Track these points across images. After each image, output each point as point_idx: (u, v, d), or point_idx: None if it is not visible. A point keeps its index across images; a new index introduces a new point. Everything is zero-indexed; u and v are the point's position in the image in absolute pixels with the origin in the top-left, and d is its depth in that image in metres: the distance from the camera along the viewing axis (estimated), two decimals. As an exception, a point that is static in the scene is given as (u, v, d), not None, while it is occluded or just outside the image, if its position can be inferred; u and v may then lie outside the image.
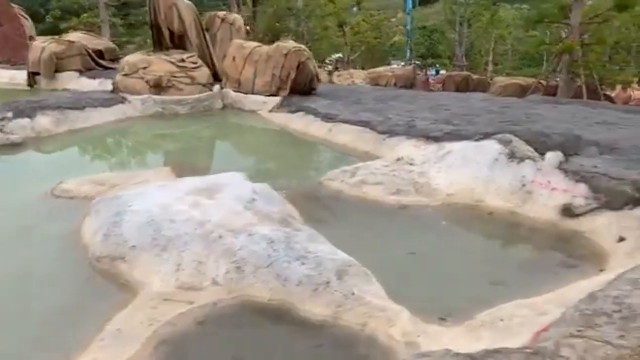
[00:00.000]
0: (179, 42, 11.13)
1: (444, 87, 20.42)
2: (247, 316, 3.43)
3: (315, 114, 8.75)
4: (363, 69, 33.23)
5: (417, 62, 49.46)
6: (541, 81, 17.86)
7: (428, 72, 47.48)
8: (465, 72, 22.01)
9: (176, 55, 10.60)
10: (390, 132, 7.32)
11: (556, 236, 4.65)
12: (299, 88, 10.08)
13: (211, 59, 11.73)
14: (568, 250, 4.41)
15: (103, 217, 4.35)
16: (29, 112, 8.26)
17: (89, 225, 4.43)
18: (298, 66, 9.81)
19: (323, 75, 17.65)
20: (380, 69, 23.16)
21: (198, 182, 4.81)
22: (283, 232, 3.85)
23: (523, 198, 5.07)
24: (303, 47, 10.12)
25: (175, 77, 10.07)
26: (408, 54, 45.57)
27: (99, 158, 7.51)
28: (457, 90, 19.70)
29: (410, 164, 6.07)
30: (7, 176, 6.15)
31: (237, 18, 13.57)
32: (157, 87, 9.87)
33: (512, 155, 5.34)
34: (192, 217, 4.09)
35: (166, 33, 10.92)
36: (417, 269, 4.16)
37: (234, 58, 10.60)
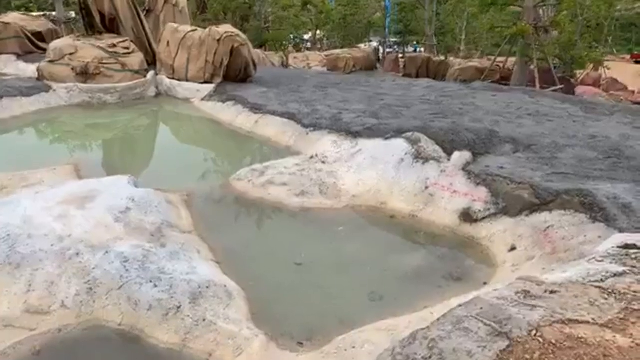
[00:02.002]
0: (111, 25, 10.59)
1: (405, 70, 20.11)
2: (90, 344, 3.17)
3: (245, 104, 8.41)
4: (342, 48, 32.61)
5: (392, 39, 48.96)
6: (498, 64, 17.73)
7: (406, 50, 47.08)
8: (425, 55, 21.65)
9: (107, 40, 10.08)
10: (315, 126, 7.04)
11: (453, 243, 4.49)
12: (234, 75, 9.69)
13: (149, 43, 11.24)
14: (460, 260, 4.25)
15: (-40, 231, 4.00)
16: None
17: (-54, 240, 4.09)
18: (232, 52, 9.40)
19: (276, 59, 17.18)
20: (338, 51, 22.64)
21: (75, 188, 4.49)
22: (142, 249, 3.58)
23: (425, 201, 4.88)
24: (237, 32, 9.68)
25: (104, 63, 9.57)
26: (386, 32, 45.14)
27: (6, 154, 7.03)
28: (418, 73, 19.46)
29: (323, 162, 5.83)
30: None
31: (180, -1, 13.01)
32: (84, 74, 9.38)
33: (417, 156, 5.14)
34: (52, 232, 3.78)
35: (97, 16, 10.35)
36: (297, 283, 3.94)
37: (168, 43, 10.12)
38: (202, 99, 9.36)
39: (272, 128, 7.53)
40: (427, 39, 37.83)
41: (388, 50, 45.40)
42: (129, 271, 3.37)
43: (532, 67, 15.74)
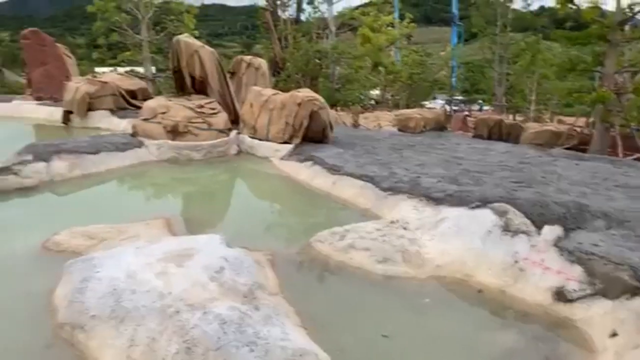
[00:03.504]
0: (200, 87, 11.39)
1: (475, 131, 19.94)
2: (187, 405, 3.27)
3: (322, 164, 8.65)
4: (407, 106, 33.18)
5: (458, 97, 49.24)
6: (575, 128, 17.23)
7: (472, 109, 47.14)
8: (496, 117, 21.36)
9: (195, 100, 10.82)
10: (393, 190, 7.10)
11: (546, 323, 4.29)
12: (312, 136, 10.06)
13: (232, 104, 11.94)
14: (555, 342, 4.05)
15: (72, 282, 4.31)
16: (46, 155, 8.50)
17: (61, 289, 4.40)
18: (311, 115, 9.82)
19: (348, 119, 17.63)
20: (408, 110, 22.84)
21: (173, 246, 4.75)
22: (238, 311, 3.69)
23: (515, 276, 4.74)
24: (316, 96, 10.12)
25: (192, 122, 10.25)
26: (452, 90, 45.73)
27: (103, 206, 7.58)
28: (490, 135, 19.25)
29: (404, 229, 5.83)
30: (5, 224, 6.27)
31: (262, 63, 13.84)
32: (174, 132, 10.06)
33: (506, 228, 5.04)
34: (154, 288, 3.99)
35: (188, 79, 11.20)
36: (386, 357, 3.89)
37: (251, 105, 10.73)
38: (281, 158, 9.74)
39: (350, 190, 7.66)
40: (497, 99, 37.70)
41: (454, 108, 45.62)
42: (227, 333, 3.47)
43: (612, 132, 15.20)
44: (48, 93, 17.75)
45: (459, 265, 5.05)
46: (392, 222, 6.03)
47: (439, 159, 9.27)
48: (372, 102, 36.35)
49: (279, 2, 30.84)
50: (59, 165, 8.48)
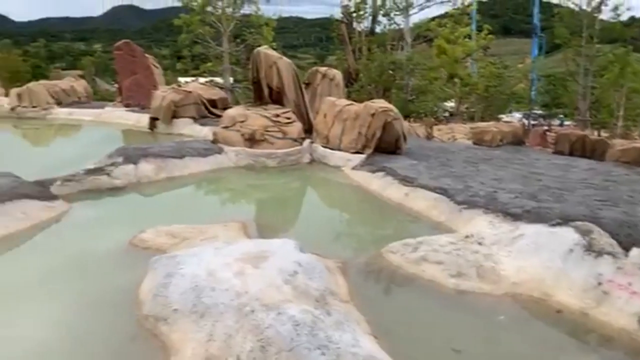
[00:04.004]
0: (276, 97, 11.75)
1: (556, 147, 18.92)
2: (260, 402, 3.39)
3: (395, 175, 8.62)
4: (482, 119, 32.29)
5: (537, 111, 47.17)
6: (670, 146, 15.96)
7: (552, 123, 44.97)
8: (579, 132, 20.09)
9: (272, 110, 11.18)
10: (468, 204, 6.95)
11: (631, 350, 4.04)
12: (385, 147, 10.07)
13: (307, 114, 12.21)
14: (642, 371, 3.81)
15: (157, 277, 4.60)
16: (134, 158, 9.11)
17: (146, 283, 4.71)
18: (384, 126, 9.84)
19: (421, 131, 17.43)
20: (485, 123, 22.12)
21: (250, 248, 4.94)
22: (311, 314, 3.79)
23: (598, 298, 4.50)
24: (390, 106, 10.13)
25: (268, 131, 10.59)
26: (532, 103, 43.96)
27: (185, 207, 8.01)
28: (572, 151, 18.21)
29: (479, 244, 5.70)
30: (94, 223, 6.77)
31: (336, 74, 14.06)
32: (251, 140, 10.44)
33: (589, 248, 4.80)
34: (232, 287, 4.18)
35: (265, 89, 11.60)
36: (456, 371, 3.84)
37: (325, 115, 10.93)
38: (353, 168, 9.82)
39: (423, 202, 7.58)
40: (580, 113, 35.69)
41: (533, 122, 43.70)
42: (300, 335, 3.57)
43: None
44: (137, 101, 19.00)
45: (537, 283, 4.87)
46: (466, 236, 5.92)
47: (516, 174, 8.96)
48: (447, 114, 35.67)
49: (354, 15, 31.21)
50: (146, 168, 9.06)
